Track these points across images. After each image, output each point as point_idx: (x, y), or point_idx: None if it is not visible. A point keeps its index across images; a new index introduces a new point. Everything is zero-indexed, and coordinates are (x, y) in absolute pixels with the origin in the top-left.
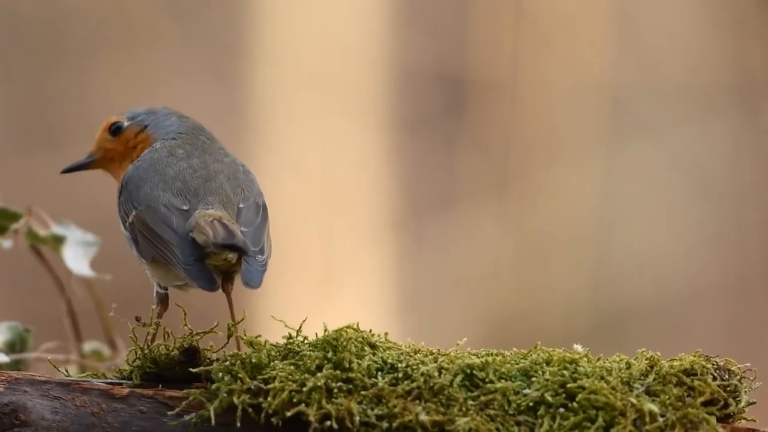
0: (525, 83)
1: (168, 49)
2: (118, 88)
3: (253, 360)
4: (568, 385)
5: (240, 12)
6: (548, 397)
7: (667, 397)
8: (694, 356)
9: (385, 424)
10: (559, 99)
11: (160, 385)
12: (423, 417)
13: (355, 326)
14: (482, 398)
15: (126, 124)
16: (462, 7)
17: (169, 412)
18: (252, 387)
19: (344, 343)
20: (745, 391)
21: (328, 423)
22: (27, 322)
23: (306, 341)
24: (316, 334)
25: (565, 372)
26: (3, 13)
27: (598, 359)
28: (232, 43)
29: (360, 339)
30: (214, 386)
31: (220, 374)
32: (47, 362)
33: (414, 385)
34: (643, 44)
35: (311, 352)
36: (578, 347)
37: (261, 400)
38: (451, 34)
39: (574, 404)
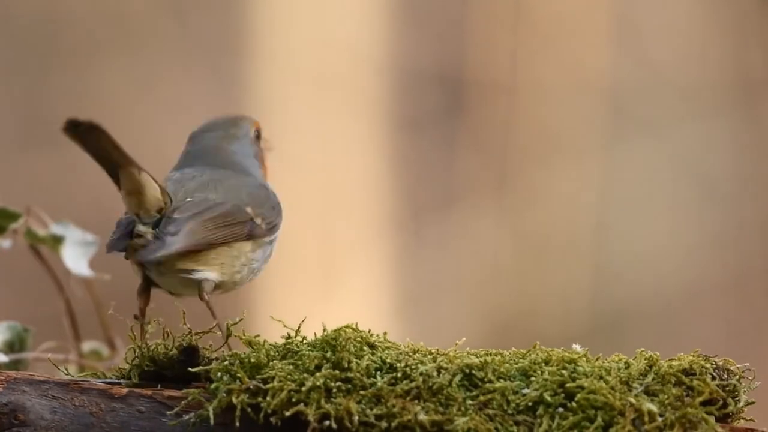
0: (524, 83)
1: (167, 49)
2: (118, 88)
3: (252, 360)
4: (567, 385)
5: (239, 11)
6: (547, 397)
7: (666, 396)
8: (693, 356)
9: (384, 424)
10: (558, 99)
11: (159, 385)
12: (422, 417)
13: (353, 326)
14: (481, 398)
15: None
16: (461, 7)
17: (168, 412)
18: (251, 387)
19: (343, 343)
20: (744, 391)
21: (327, 423)
22: (26, 322)
23: (305, 341)
24: (315, 333)
25: (564, 372)
26: (2, 13)
27: (597, 359)
28: (231, 42)
29: (359, 339)
30: (213, 386)
31: (219, 374)
32: (46, 362)
33: (413, 384)
34: (642, 44)
35: (310, 352)
36: (577, 347)
37: (260, 399)
38: (450, 34)
39: (573, 404)
